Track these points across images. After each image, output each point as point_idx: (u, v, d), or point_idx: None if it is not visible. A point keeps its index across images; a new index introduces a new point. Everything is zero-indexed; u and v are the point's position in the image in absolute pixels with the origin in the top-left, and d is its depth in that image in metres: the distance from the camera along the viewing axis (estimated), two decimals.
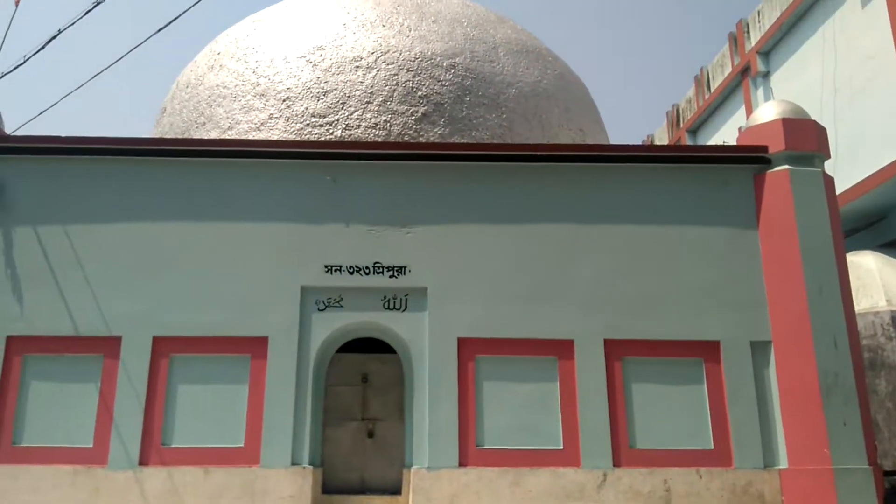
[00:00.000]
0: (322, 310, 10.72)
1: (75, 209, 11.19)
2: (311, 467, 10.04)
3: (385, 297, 10.73)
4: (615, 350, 10.54)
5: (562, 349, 10.53)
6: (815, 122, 11.50)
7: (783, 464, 10.18)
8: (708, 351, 10.61)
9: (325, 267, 10.77)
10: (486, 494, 9.89)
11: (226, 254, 10.86)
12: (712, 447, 10.25)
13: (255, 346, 10.50)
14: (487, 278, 10.75)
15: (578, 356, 10.47)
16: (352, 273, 10.78)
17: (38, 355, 10.82)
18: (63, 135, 11.69)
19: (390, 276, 10.74)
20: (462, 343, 10.48)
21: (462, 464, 10.03)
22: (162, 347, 10.62)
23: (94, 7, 12.82)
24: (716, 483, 10.07)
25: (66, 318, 10.82)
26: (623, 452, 10.15)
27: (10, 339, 10.83)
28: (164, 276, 10.83)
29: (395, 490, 10.40)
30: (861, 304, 13.87)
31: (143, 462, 10.15)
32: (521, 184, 11.20)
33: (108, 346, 10.66)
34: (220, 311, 10.62)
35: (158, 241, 10.96)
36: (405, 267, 10.77)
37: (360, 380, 11.06)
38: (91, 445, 10.29)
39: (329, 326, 10.63)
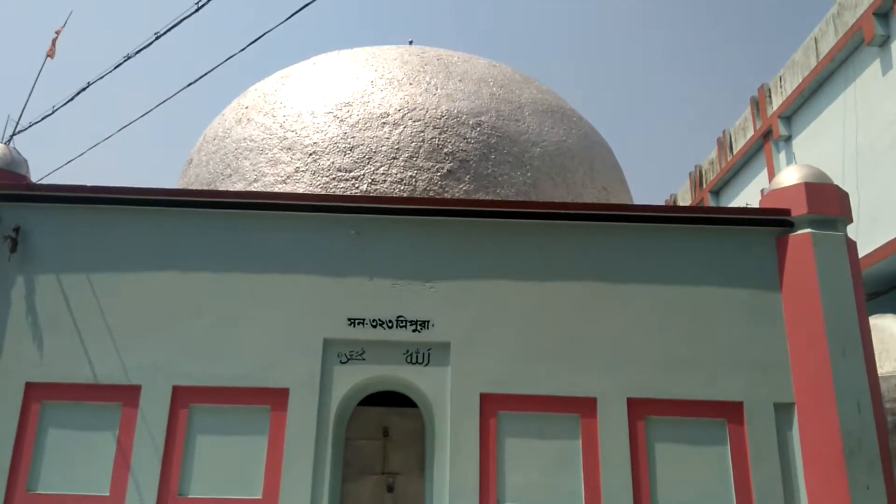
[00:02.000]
0: (344, 363, 11.10)
1: (98, 258, 11.60)
2: None
3: (408, 351, 11.12)
4: (638, 409, 10.83)
5: (585, 407, 10.82)
6: (837, 186, 11.88)
7: None
8: (731, 412, 10.88)
9: (349, 320, 11.18)
10: None
11: (248, 305, 11.25)
12: None
13: (276, 398, 10.84)
14: (511, 334, 11.11)
15: (601, 414, 10.75)
16: (375, 326, 11.21)
17: (56, 402, 11.18)
18: (88, 184, 12.25)
19: (413, 331, 11.16)
20: (484, 399, 10.79)
21: None
22: (182, 397, 10.96)
23: (125, 61, 13.69)
24: None
25: (85, 365, 11.24)
26: None
27: (28, 385, 11.22)
28: (186, 325, 11.21)
29: None
30: (884, 367, 14.18)
31: None
32: (545, 241, 11.65)
33: (128, 395, 11.02)
34: (241, 362, 10.97)
35: (181, 290, 11.37)
36: (428, 321, 11.20)
37: (381, 433, 11.37)
38: (108, 494, 10.57)
39: (351, 379, 10.97)
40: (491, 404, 10.83)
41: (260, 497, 10.47)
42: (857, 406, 10.54)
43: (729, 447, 10.79)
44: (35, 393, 11.24)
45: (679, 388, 10.94)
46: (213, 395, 11.04)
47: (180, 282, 11.54)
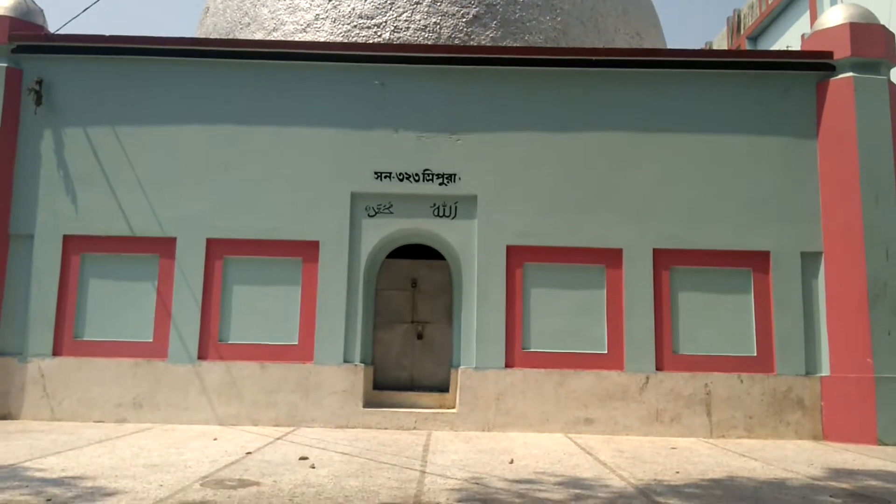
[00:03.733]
0: (372, 216, 11.42)
1: (124, 110, 11.74)
2: (362, 365, 10.97)
3: (435, 205, 11.40)
4: (664, 259, 11.18)
5: (610, 258, 11.20)
6: (883, 27, 11.60)
7: (825, 371, 10.91)
8: (757, 261, 11.23)
9: (375, 174, 11.42)
10: (531, 393, 10.80)
11: (276, 158, 11.49)
12: (755, 354, 11.01)
13: (307, 250, 11.32)
14: (538, 186, 11.35)
15: (627, 265, 11.14)
16: (401, 180, 11.42)
17: (95, 254, 11.67)
18: (106, 34, 12.29)
19: (440, 184, 11.39)
20: (511, 250, 11.19)
21: (508, 365, 10.92)
22: (216, 249, 11.44)
23: None
24: (756, 388, 10.85)
25: (120, 218, 11.58)
26: (666, 357, 10.96)
27: (66, 238, 11.67)
28: (217, 179, 11.50)
29: (443, 388, 11.37)
30: None
31: (202, 356, 11.16)
32: (575, 90, 11.63)
33: (164, 247, 11.49)
34: (272, 216, 11.36)
35: (209, 143, 11.58)
36: (455, 174, 11.39)
37: (410, 284, 11.90)
38: (151, 340, 11.28)
39: (379, 232, 11.37)
40: (517, 256, 11.24)
41: (296, 343, 11.15)
42: (885, 253, 10.72)
43: (752, 296, 11.21)
44: (73, 246, 11.72)
45: (706, 239, 11.23)
46: (246, 247, 11.48)
47: (207, 135, 11.70)
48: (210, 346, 11.27)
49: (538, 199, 11.31)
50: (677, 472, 7.74)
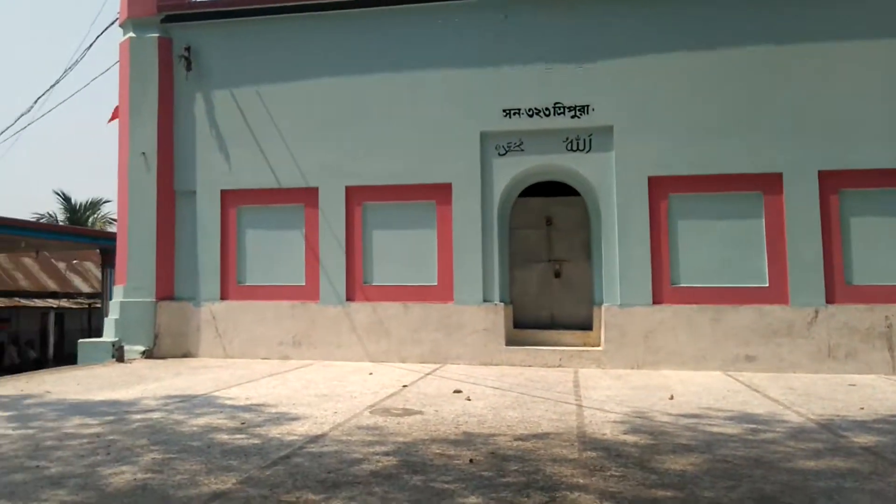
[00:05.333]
0: (502, 154, 9.70)
1: (262, 69, 10.60)
2: (501, 304, 9.44)
3: (567, 139, 9.46)
4: (831, 182, 8.78)
5: (768, 183, 8.92)
6: None
7: None
8: None
9: (504, 111, 9.60)
10: (683, 330, 8.89)
11: (406, 103, 9.92)
12: None
13: (440, 193, 9.78)
14: (678, 111, 9.13)
15: (787, 190, 8.83)
16: (531, 116, 9.61)
17: (248, 206, 11.02)
18: None
19: (572, 117, 9.41)
20: (653, 182, 9.15)
21: (656, 301, 9.02)
22: (354, 196, 10.14)
23: None
24: None
25: (268, 172, 10.72)
26: (838, 289, 8.68)
27: (223, 192, 11.06)
28: (351, 128, 10.14)
29: (585, 326, 9.59)
30: None
31: (350, 298, 10.01)
32: (711, 6, 9.28)
33: (308, 196, 10.34)
34: (404, 160, 9.86)
35: (343, 94, 10.20)
36: (587, 106, 9.37)
37: (545, 223, 10.19)
38: (304, 284, 10.25)
39: (510, 171, 9.60)
40: (660, 187, 9.14)
41: (435, 284, 9.74)
42: None
43: None
44: (230, 199, 10.94)
45: (877, 156, 8.68)
46: (382, 192, 10.05)
47: (340, 87, 10.29)
48: (356, 288, 10.24)
49: (680, 125, 9.11)
50: (861, 408, 6.08)
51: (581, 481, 3.85)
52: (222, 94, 10.87)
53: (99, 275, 30.00)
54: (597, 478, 3.92)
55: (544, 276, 10.04)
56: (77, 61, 17.17)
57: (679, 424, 5.44)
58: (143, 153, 10.95)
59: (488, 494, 3.59)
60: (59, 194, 41.06)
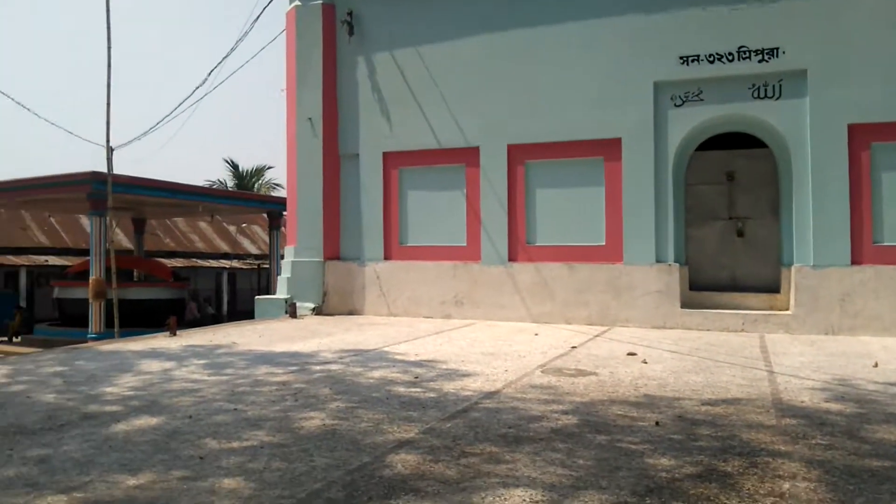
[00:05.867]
0: (679, 105, 9.18)
1: (421, 31, 10.76)
2: (676, 265, 9.09)
3: (753, 85, 8.81)
4: None
5: None
6: None
7: None
8: None
9: (680, 58, 9.08)
10: (886, 293, 8.15)
11: (569, 56, 9.68)
12: None
13: (609, 149, 9.48)
14: (881, 51, 8.25)
15: None
16: (712, 62, 8.96)
17: (410, 168, 11.28)
18: None
19: (759, 61, 8.71)
20: (853, 130, 8.36)
21: (855, 262, 8.32)
22: (517, 155, 10.11)
23: None
24: None
25: (428, 133, 10.85)
26: None
27: (385, 154, 11.40)
28: (512, 86, 10.05)
29: (770, 288, 9.01)
30: None
31: (512, 259, 10.06)
32: None
33: (469, 156, 10.42)
34: (570, 116, 9.66)
35: (504, 50, 10.12)
36: (777, 48, 8.64)
37: (725, 178, 9.60)
38: (465, 244, 10.44)
39: (687, 123, 9.11)
40: (862, 135, 8.33)
41: (603, 244, 9.53)
42: None
43: None
44: (391, 161, 11.15)
45: None
46: (546, 150, 9.92)
47: (499, 44, 10.16)
48: (519, 248, 10.20)
49: (883, 67, 8.22)
50: None
51: (783, 448, 3.64)
52: (383, 57, 11.15)
53: (265, 237, 32.33)
54: (800, 445, 3.69)
55: (724, 235, 9.52)
56: (246, 32, 18.26)
57: (889, 393, 5.02)
58: (310, 119, 11.53)
59: (681, 457, 3.48)
60: (228, 162, 44.50)
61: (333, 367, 6.20)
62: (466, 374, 5.83)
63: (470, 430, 4.00)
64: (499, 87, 10.24)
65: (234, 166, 42.31)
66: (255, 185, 41.54)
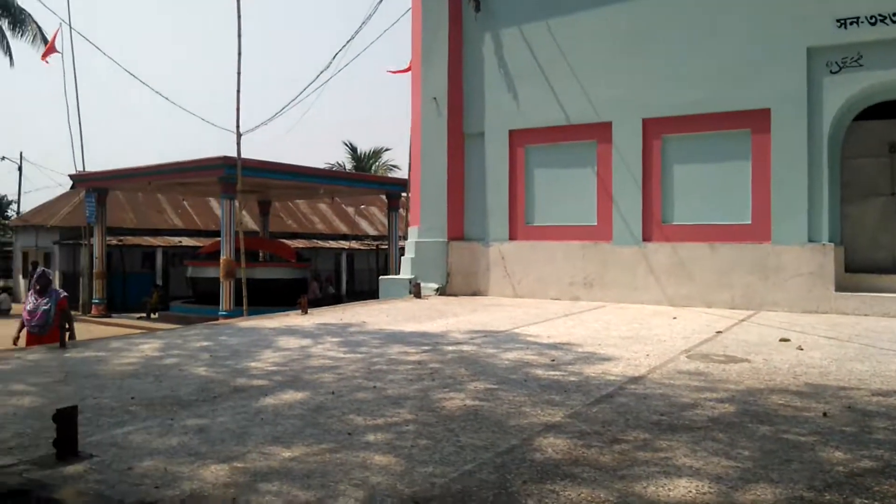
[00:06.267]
0: (835, 72, 8.56)
1: (550, 2, 10.60)
2: (830, 244, 8.53)
3: None
4: None
5: None
6: None
7: None
8: None
9: (838, 21, 8.45)
10: None
11: (710, 22, 9.23)
12: None
13: (756, 120, 8.98)
14: None
15: None
16: (874, 23, 8.25)
17: (536, 145, 11.15)
18: None
19: None
20: None
21: None
22: (653, 129, 9.80)
23: None
24: None
25: (557, 109, 10.65)
26: None
27: (511, 132, 11.31)
28: (647, 55, 9.72)
29: None
30: None
31: (647, 238, 9.78)
32: None
33: (600, 132, 10.21)
34: (711, 86, 9.20)
35: (637, 18, 9.80)
36: None
37: (888, 150, 8.93)
38: (595, 224, 10.25)
39: (844, 91, 8.49)
40: None
41: (749, 222, 9.04)
42: None
43: None
44: (518, 139, 11.19)
45: None
46: (685, 123, 9.53)
47: (633, 10, 9.87)
48: (654, 227, 9.88)
49: None
50: None
51: None
52: (510, 33, 11.04)
53: (383, 218, 33.10)
54: None
55: (884, 213, 8.85)
56: (370, 15, 18.57)
57: None
58: (435, 98, 11.61)
59: (857, 451, 3.23)
60: (346, 144, 45.84)
61: (465, 347, 6.22)
62: (606, 358, 5.70)
63: (619, 416, 3.89)
64: (632, 58, 9.92)
65: (353, 149, 43.57)
66: (373, 167, 42.60)
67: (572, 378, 4.90)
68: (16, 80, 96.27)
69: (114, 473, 2.93)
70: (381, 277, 12.45)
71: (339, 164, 42.60)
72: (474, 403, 4.15)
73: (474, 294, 11.15)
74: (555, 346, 6.27)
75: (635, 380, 4.85)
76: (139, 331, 10.51)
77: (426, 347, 6.20)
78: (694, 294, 9.32)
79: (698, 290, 9.30)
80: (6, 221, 27.94)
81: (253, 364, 5.47)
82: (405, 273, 11.82)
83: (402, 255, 12.32)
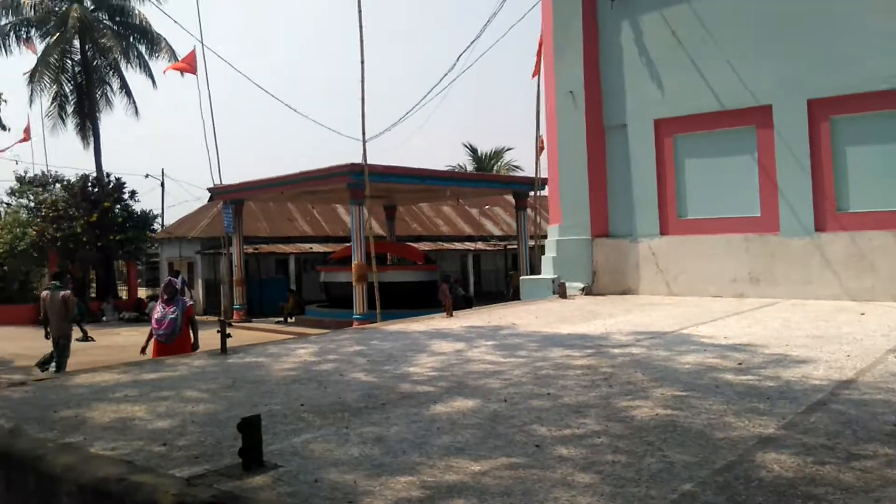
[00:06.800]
0: None
1: None
2: None
3: None
4: None
5: None
6: None
7: None
8: None
9: None
10: None
11: None
12: None
13: None
14: None
15: None
16: None
17: (686, 134, 10.53)
18: None
19: None
20: None
21: None
22: (819, 110, 9.03)
23: None
24: None
25: (708, 95, 10.02)
26: None
27: (656, 122, 10.72)
28: (810, 31, 8.96)
29: None
30: None
31: (819, 228, 9.03)
32: None
33: (759, 116, 9.51)
34: (890, 61, 8.44)
35: None
36: None
37: None
38: (759, 215, 9.55)
39: None
40: None
41: None
42: None
43: None
44: (664, 128, 10.60)
45: None
46: (858, 102, 8.71)
47: None
48: (827, 216, 9.06)
49: None
50: None
51: None
52: (651, 18, 10.54)
53: (507, 218, 32.83)
54: None
55: None
56: (495, 13, 18.50)
57: None
58: (571, 92, 11.26)
59: None
60: (466, 146, 45.99)
61: (634, 350, 5.87)
62: (801, 361, 5.17)
63: (844, 427, 3.44)
64: (793, 35, 9.21)
65: (473, 150, 43.66)
66: (494, 167, 42.52)
67: (769, 383, 4.45)
68: (158, 99, 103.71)
69: (303, 485, 2.82)
70: (522, 278, 12.23)
71: (460, 166, 42.82)
72: (667, 413, 3.82)
73: (623, 293, 10.69)
74: (736, 348, 5.80)
75: (845, 384, 4.36)
76: (284, 336, 10.80)
77: (589, 350, 5.89)
78: (878, 287, 8.49)
79: (883, 282, 8.46)
80: (153, 234, 29.87)
81: (412, 369, 5.36)
82: (547, 273, 11.52)
83: (532, 254, 12.03)
